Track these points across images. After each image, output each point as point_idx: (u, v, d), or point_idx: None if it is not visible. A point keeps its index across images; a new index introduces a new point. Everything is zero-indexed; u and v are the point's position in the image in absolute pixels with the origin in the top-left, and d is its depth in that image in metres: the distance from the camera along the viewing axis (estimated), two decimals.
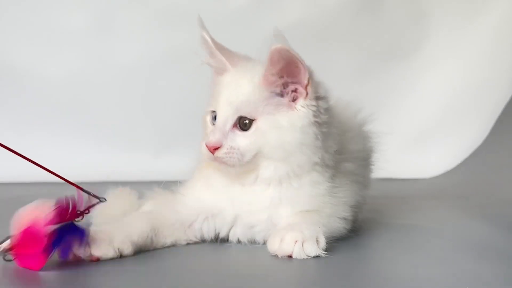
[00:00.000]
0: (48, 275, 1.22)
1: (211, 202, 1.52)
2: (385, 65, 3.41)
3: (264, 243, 1.45)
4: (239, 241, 1.51)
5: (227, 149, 1.42)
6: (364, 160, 1.73)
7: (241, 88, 1.46)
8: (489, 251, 1.49)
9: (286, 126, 1.44)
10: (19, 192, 2.79)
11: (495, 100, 3.27)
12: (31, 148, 3.24)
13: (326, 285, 1.19)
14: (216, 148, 1.42)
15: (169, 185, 1.75)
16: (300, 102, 1.45)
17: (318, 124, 1.46)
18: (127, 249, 1.37)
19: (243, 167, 1.45)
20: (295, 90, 1.45)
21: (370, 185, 1.83)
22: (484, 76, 3.36)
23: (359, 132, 1.73)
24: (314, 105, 1.46)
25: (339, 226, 1.51)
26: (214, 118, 1.47)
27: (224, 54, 1.54)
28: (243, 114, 1.44)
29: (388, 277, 1.25)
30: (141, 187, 1.86)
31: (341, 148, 1.55)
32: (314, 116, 1.45)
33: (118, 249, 1.35)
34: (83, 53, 3.32)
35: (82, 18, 3.31)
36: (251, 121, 1.44)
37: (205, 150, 1.44)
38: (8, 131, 3.28)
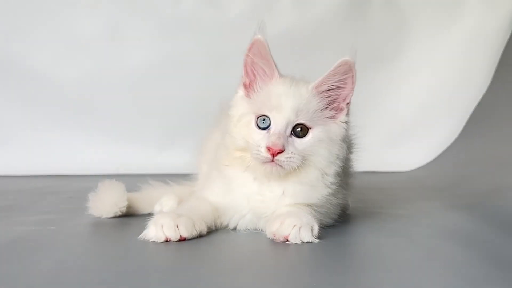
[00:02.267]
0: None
1: (229, 203, 1.51)
2: (368, 70, 3.40)
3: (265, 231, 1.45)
4: (245, 229, 1.52)
5: (289, 154, 1.40)
6: (346, 166, 1.68)
7: (301, 97, 1.43)
8: (461, 237, 1.50)
9: (334, 138, 1.45)
10: (37, 184, 2.80)
11: (467, 101, 3.29)
12: (47, 143, 3.29)
13: (319, 266, 1.20)
14: (280, 152, 1.39)
15: (172, 178, 1.77)
16: (342, 117, 1.47)
17: (347, 139, 1.49)
18: (204, 231, 1.44)
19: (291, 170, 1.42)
20: (339, 107, 1.46)
21: (350, 189, 1.80)
22: (458, 79, 3.37)
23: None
24: (348, 121, 1.48)
25: (328, 221, 1.55)
26: (263, 122, 1.43)
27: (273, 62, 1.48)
28: (302, 122, 1.42)
29: (372, 260, 1.27)
30: (147, 179, 1.87)
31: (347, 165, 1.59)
32: (346, 131, 1.48)
33: (200, 231, 1.42)
34: (95, 57, 3.32)
35: (94, 25, 3.31)
36: (306, 129, 1.43)
37: (265, 153, 1.39)
38: (27, 128, 3.30)
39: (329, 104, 1.46)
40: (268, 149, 1.39)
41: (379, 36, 3.42)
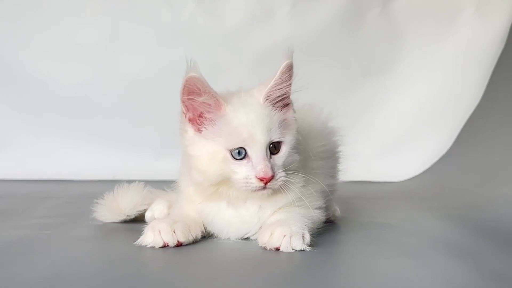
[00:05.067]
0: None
1: (211, 231, 1.51)
2: (363, 80, 3.41)
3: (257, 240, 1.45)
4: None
5: (278, 175, 1.39)
6: (329, 153, 1.71)
7: (263, 116, 1.41)
8: (452, 248, 1.49)
9: (297, 137, 1.47)
10: (33, 189, 2.79)
11: (459, 112, 3.29)
12: (44, 148, 3.29)
13: (309, 274, 1.20)
14: (272, 178, 1.38)
15: (169, 184, 1.76)
16: (292, 112, 1.48)
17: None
18: (199, 236, 1.46)
19: None
20: (285, 104, 1.46)
21: (338, 175, 1.83)
22: (450, 90, 3.37)
23: (322, 130, 1.72)
24: (295, 111, 1.49)
25: (318, 215, 1.52)
26: (238, 153, 1.39)
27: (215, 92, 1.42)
28: (275, 139, 1.42)
29: (363, 269, 1.27)
30: (147, 186, 1.87)
31: (306, 145, 1.54)
32: (297, 119, 1.49)
33: (196, 236, 1.45)
34: (93, 64, 3.32)
35: (92, 33, 3.31)
36: (279, 143, 1.43)
37: (257, 183, 1.37)
38: (26, 134, 3.30)
39: (282, 107, 1.46)
40: (261, 179, 1.37)
41: (373, 47, 3.42)
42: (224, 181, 1.42)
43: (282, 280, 1.17)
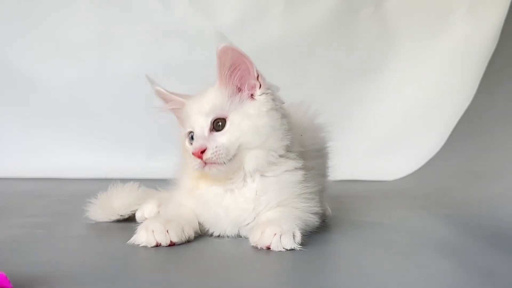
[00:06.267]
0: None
1: (208, 220, 1.52)
2: (356, 79, 3.43)
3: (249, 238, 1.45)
4: (229, 237, 1.52)
5: (213, 148, 1.41)
6: (318, 151, 1.72)
7: (204, 98, 1.48)
8: (444, 247, 1.50)
9: (253, 113, 1.46)
10: (26, 187, 2.79)
11: (451, 112, 3.31)
12: (37, 146, 3.29)
13: (300, 273, 1.20)
14: (203, 152, 1.41)
15: (161, 183, 1.77)
16: (258, 91, 1.48)
17: (278, 108, 1.49)
18: (192, 236, 1.46)
19: (231, 163, 1.44)
20: (250, 84, 1.48)
21: (328, 173, 1.83)
22: (443, 89, 3.39)
23: (310, 127, 1.72)
24: (270, 92, 1.49)
25: (312, 220, 1.52)
26: (192, 138, 1.48)
27: (177, 96, 1.59)
28: (215, 116, 1.46)
29: (354, 268, 1.27)
30: (140, 185, 1.87)
31: (300, 144, 1.56)
32: (273, 100, 1.49)
33: (189, 236, 1.44)
34: (85, 63, 3.33)
35: (84, 32, 3.33)
36: (224, 120, 1.46)
37: (194, 160, 1.43)
38: (18, 131, 3.30)
39: (241, 86, 1.49)
40: (193, 154, 1.43)
41: (366, 46, 3.44)
42: None
43: (272, 279, 1.18)
